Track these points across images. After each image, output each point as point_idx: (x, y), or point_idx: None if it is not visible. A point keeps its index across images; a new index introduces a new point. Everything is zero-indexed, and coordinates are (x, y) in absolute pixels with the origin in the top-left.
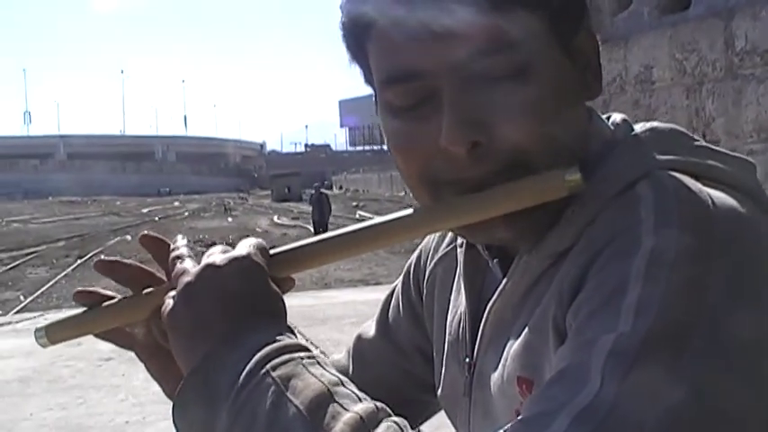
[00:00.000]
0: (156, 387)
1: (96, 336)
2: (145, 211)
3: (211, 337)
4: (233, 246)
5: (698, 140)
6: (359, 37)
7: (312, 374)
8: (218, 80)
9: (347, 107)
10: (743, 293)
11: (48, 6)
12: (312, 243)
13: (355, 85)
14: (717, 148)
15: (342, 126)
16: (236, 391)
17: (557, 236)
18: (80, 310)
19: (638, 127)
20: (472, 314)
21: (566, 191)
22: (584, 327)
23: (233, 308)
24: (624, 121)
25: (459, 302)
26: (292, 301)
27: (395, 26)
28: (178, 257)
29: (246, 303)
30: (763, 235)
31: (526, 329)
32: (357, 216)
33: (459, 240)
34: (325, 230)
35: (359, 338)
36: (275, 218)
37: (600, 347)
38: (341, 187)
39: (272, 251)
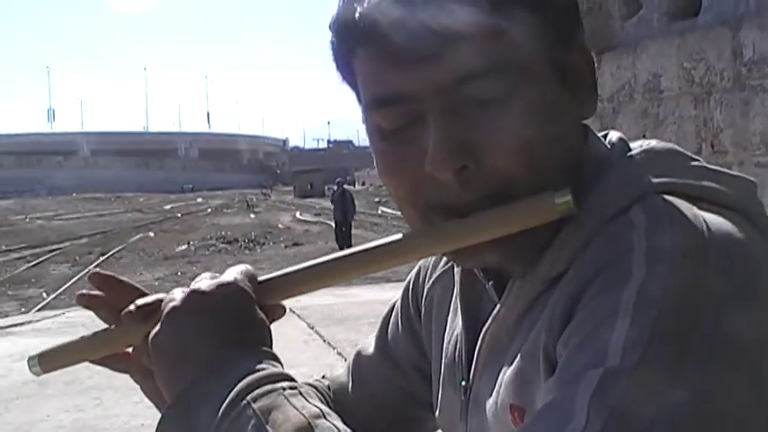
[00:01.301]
0: None
1: (91, 361)
2: (167, 207)
3: (194, 364)
4: (255, 242)
5: (696, 160)
6: (346, 59)
7: (293, 406)
8: (240, 76)
9: None
10: (739, 335)
11: (71, 5)
12: (301, 269)
13: None
14: (716, 168)
15: (364, 122)
16: (217, 423)
17: (549, 260)
18: (70, 338)
19: (635, 146)
20: (468, 336)
21: (557, 214)
22: (571, 359)
23: (217, 335)
24: (620, 140)
25: (455, 324)
26: (313, 299)
27: (380, 48)
28: (170, 293)
29: (231, 330)
30: (759, 261)
31: (518, 357)
32: (379, 212)
33: None
34: (349, 231)
35: (358, 355)
36: (297, 214)
37: (586, 383)
38: (363, 183)
39: (260, 278)
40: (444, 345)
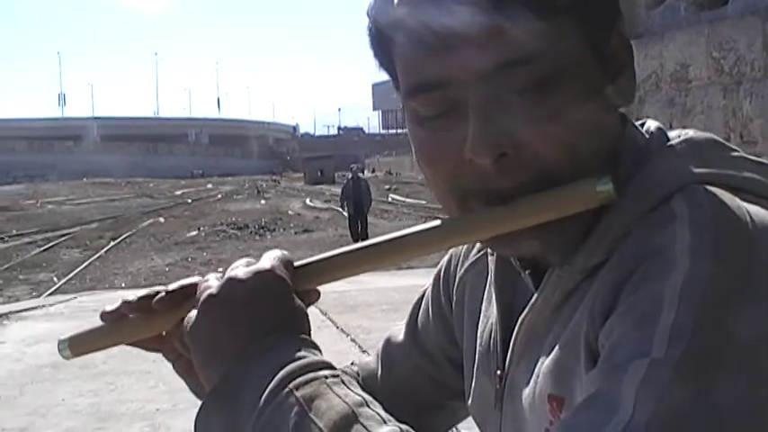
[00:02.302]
0: None
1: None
2: (178, 193)
3: (233, 353)
4: (265, 228)
5: (736, 150)
6: (385, 45)
7: (336, 394)
8: (251, 63)
9: (380, 90)
10: None
11: None
12: (337, 255)
13: None
14: (755, 158)
15: (375, 109)
16: (260, 410)
17: (589, 250)
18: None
19: (673, 135)
20: (503, 325)
21: (597, 202)
22: (615, 350)
23: (255, 322)
24: (659, 129)
25: (490, 312)
26: (326, 286)
27: (421, 36)
28: (205, 280)
29: (269, 318)
30: None
31: (557, 347)
32: (389, 199)
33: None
34: (365, 225)
35: (388, 342)
36: (307, 200)
37: (632, 374)
38: (373, 170)
39: (296, 263)
40: (478, 334)
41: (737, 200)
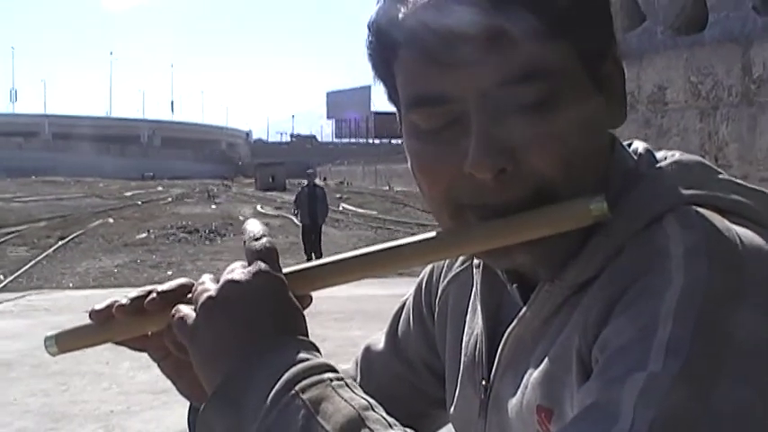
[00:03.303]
0: (142, 377)
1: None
2: (128, 194)
3: (235, 355)
4: (216, 233)
5: (721, 173)
6: (386, 57)
7: (342, 398)
8: (206, 67)
9: (334, 99)
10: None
11: None
12: (332, 262)
13: (343, 77)
14: (740, 182)
15: (329, 117)
16: (265, 412)
17: (580, 266)
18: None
19: (660, 156)
20: (488, 336)
21: (590, 220)
22: (612, 362)
23: (256, 324)
24: (647, 150)
25: (475, 324)
26: None
27: (426, 51)
28: (200, 283)
29: (269, 319)
30: None
31: (547, 359)
32: (341, 208)
33: (476, 261)
34: (319, 236)
35: (367, 350)
36: (258, 207)
37: (631, 385)
38: (324, 179)
39: (290, 268)
40: (463, 344)
41: (726, 221)
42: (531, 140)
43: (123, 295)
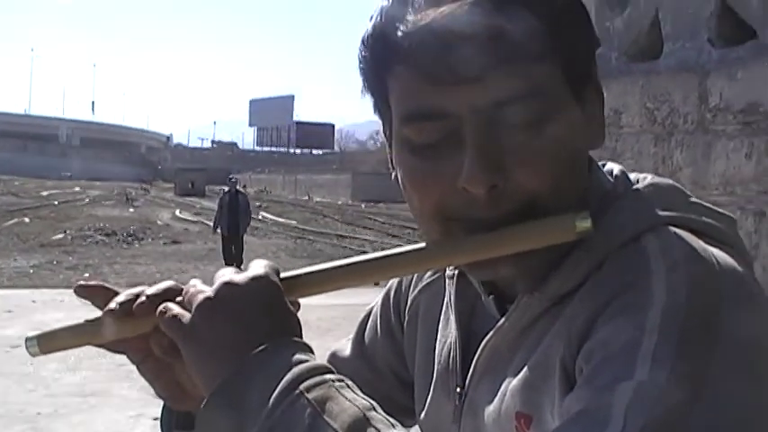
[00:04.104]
0: (69, 379)
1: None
2: (44, 194)
3: (234, 354)
4: (134, 236)
5: (692, 196)
6: (381, 72)
7: (345, 398)
8: (129, 68)
9: (257, 106)
10: (749, 351)
11: None
12: (323, 270)
13: (266, 85)
14: (708, 205)
15: (251, 125)
16: (269, 410)
17: (560, 279)
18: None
19: (633, 177)
20: (463, 345)
21: (575, 235)
22: (599, 371)
23: (254, 326)
24: (623, 172)
25: (448, 333)
26: None
27: (424, 67)
28: (192, 285)
29: (267, 322)
30: (756, 292)
31: (526, 367)
32: (260, 217)
33: (450, 272)
34: (240, 248)
35: (333, 356)
36: (177, 212)
37: (621, 393)
38: (244, 186)
39: (284, 274)
40: (437, 352)
41: (701, 242)
42: (521, 158)
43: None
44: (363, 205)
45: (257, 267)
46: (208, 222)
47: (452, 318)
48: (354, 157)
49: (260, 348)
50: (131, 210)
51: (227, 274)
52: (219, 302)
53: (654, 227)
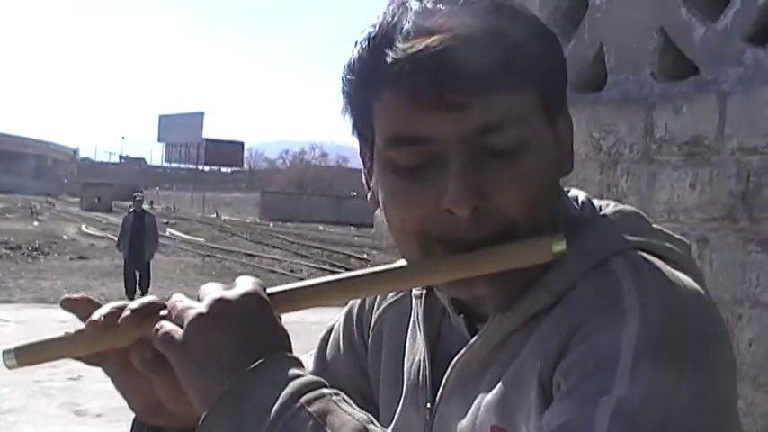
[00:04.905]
0: None
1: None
2: None
3: (231, 369)
4: (39, 251)
5: (653, 223)
6: (366, 96)
7: (344, 411)
8: (35, 79)
9: (167, 122)
10: (716, 367)
11: None
12: (306, 286)
13: (175, 101)
14: (667, 231)
15: (159, 141)
16: (270, 423)
17: (532, 299)
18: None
19: (597, 204)
20: (431, 362)
21: (551, 257)
22: (578, 387)
23: (249, 340)
24: (588, 199)
25: (416, 350)
26: None
27: (410, 93)
28: (178, 301)
29: (260, 337)
30: (717, 313)
31: (500, 383)
32: (168, 234)
33: (417, 292)
34: (146, 276)
35: None
36: (83, 227)
37: (603, 407)
38: (151, 203)
39: (271, 289)
40: (405, 369)
41: (667, 266)
42: (501, 183)
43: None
44: (272, 224)
45: (245, 283)
46: (114, 238)
47: (420, 336)
48: (264, 175)
49: (256, 363)
50: (36, 223)
51: (216, 290)
52: (213, 318)
53: (622, 251)
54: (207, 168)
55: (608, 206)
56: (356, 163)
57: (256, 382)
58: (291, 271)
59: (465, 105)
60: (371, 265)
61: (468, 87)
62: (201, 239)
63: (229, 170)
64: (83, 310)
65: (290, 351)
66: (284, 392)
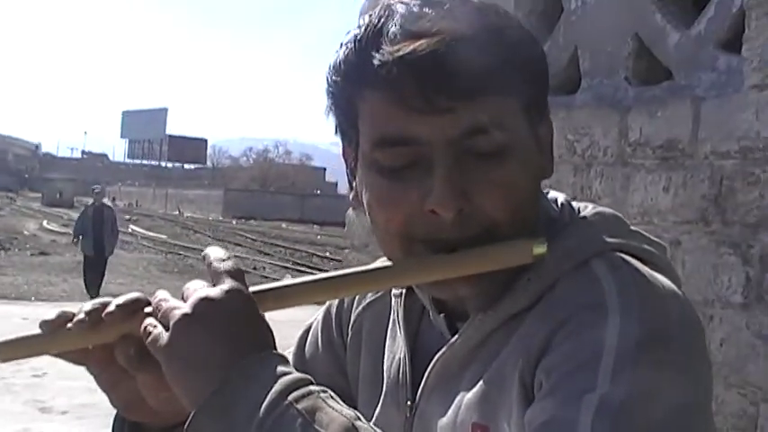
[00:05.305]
0: None
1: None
2: None
3: (218, 367)
4: (0, 246)
5: (631, 225)
6: (351, 97)
7: (332, 408)
8: None
9: (130, 119)
10: (696, 363)
11: None
12: (292, 284)
13: (139, 97)
14: (645, 233)
15: (122, 137)
16: (259, 421)
17: (512, 300)
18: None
19: (576, 205)
20: (411, 360)
21: (532, 259)
22: (561, 385)
23: (235, 339)
24: (567, 201)
25: (395, 348)
26: None
27: (396, 96)
28: (163, 299)
29: (246, 335)
30: (694, 312)
31: (482, 381)
32: (130, 230)
33: (396, 291)
34: (102, 271)
35: None
36: (44, 222)
37: (587, 403)
38: (114, 199)
39: (256, 288)
40: (385, 367)
41: (646, 267)
42: (485, 185)
43: (75, 306)
44: (235, 221)
45: (229, 281)
46: None
47: (400, 334)
48: (227, 172)
49: (243, 361)
50: None
51: (201, 288)
52: (198, 318)
53: (602, 252)
54: (170, 165)
55: (586, 208)
56: (320, 161)
57: (244, 380)
58: (254, 269)
59: (451, 109)
60: (342, 264)
61: (455, 91)
62: (164, 236)
63: (192, 167)
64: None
65: (275, 348)
66: (272, 390)
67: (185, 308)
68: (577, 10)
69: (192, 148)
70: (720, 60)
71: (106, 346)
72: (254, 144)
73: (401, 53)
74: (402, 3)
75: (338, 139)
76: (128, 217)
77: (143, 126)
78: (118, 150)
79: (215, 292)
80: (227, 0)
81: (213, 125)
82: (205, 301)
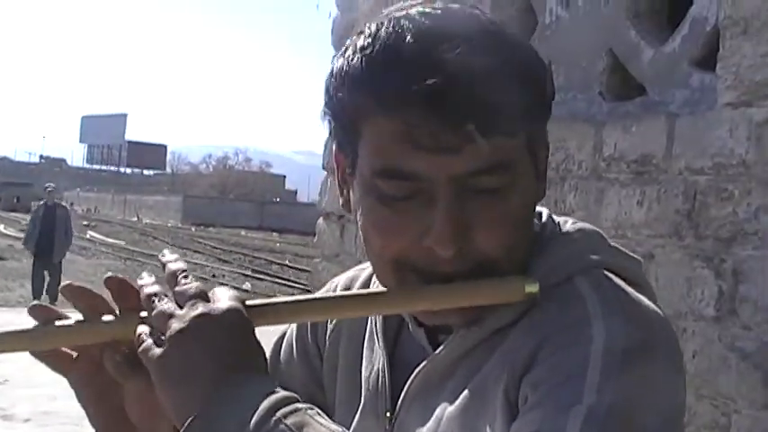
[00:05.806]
0: None
1: (32, 354)
2: None
3: (210, 383)
4: None
5: (610, 242)
6: (355, 114)
7: (320, 424)
8: None
9: (89, 124)
10: (677, 377)
11: None
12: (287, 302)
13: (98, 102)
14: (623, 249)
15: (81, 142)
16: None
17: (496, 316)
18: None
19: (559, 220)
20: (390, 371)
21: (523, 297)
22: (549, 397)
23: (229, 356)
24: (549, 217)
25: (374, 359)
26: None
27: (407, 129)
28: (154, 295)
29: (238, 354)
30: (671, 328)
31: (464, 394)
32: (88, 236)
33: None
34: (56, 277)
35: None
36: (1, 227)
37: (575, 415)
38: (71, 204)
39: (250, 302)
40: (363, 378)
41: (624, 283)
42: (485, 223)
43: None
44: (194, 228)
45: (225, 298)
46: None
47: (378, 345)
48: (186, 179)
49: (233, 379)
50: None
51: (198, 302)
52: (193, 334)
53: (585, 269)
54: (129, 171)
55: (566, 223)
56: (279, 169)
57: (234, 397)
58: (213, 276)
59: (458, 148)
60: (312, 273)
61: (464, 131)
62: (122, 242)
63: (152, 173)
64: (81, 301)
65: (266, 366)
66: (261, 407)
67: (182, 323)
68: (552, 25)
69: (152, 153)
70: (694, 77)
71: (92, 357)
72: (214, 151)
73: (413, 87)
74: (410, 18)
75: (299, 149)
76: (86, 223)
77: (102, 131)
78: (77, 155)
79: (214, 310)
80: (187, 6)
81: (173, 131)
82: (203, 317)
